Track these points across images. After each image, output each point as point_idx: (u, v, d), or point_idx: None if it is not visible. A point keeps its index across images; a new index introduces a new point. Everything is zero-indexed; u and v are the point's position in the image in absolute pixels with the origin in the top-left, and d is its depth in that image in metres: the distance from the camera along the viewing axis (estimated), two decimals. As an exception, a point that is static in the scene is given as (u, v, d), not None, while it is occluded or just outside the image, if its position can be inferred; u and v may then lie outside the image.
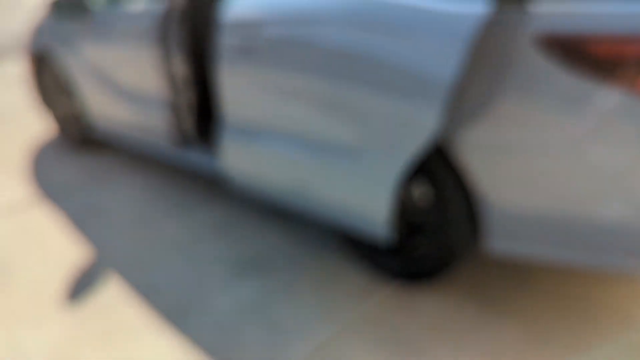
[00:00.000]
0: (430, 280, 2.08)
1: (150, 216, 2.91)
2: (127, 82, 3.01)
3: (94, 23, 3.07)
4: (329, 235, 2.58)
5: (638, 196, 1.50)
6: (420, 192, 1.98)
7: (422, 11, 1.58)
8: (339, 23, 1.76)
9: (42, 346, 2.01)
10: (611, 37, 1.40)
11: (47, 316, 2.17)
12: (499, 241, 1.81)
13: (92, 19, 3.09)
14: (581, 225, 1.62)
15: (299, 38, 1.88)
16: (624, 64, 1.40)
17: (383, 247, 2.19)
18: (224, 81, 2.20)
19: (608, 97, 1.44)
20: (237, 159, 2.33)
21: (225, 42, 2.14)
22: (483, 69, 1.60)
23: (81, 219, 2.94)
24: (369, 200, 1.90)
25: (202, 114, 3.25)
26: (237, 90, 2.17)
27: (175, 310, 2.15)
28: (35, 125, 4.54)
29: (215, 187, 3.19)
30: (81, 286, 2.35)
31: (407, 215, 2.06)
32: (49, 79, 3.84)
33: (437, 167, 1.86)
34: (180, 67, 2.70)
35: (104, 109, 3.32)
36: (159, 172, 3.46)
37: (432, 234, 2.00)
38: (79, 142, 3.90)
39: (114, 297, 2.26)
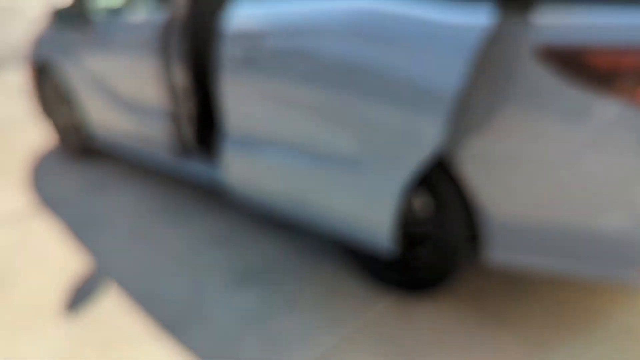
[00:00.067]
0: (430, 290, 2.08)
1: (150, 226, 2.90)
2: (128, 92, 3.02)
3: (95, 33, 3.08)
4: (328, 246, 2.58)
5: (638, 207, 1.50)
6: (420, 202, 1.98)
7: (426, 23, 1.58)
8: (341, 34, 1.76)
9: (42, 356, 2.00)
10: (610, 49, 1.41)
11: (47, 325, 2.16)
12: (498, 252, 1.81)
13: (93, 29, 3.10)
14: (581, 236, 1.62)
15: (301, 49, 1.89)
16: (622, 75, 1.41)
17: (384, 258, 2.19)
18: (226, 92, 2.20)
19: (607, 109, 1.44)
20: (238, 169, 2.32)
21: (228, 53, 2.14)
22: (485, 80, 1.61)
23: (81, 228, 2.94)
24: (372, 212, 1.90)
25: (203, 124, 3.26)
26: (239, 101, 2.17)
27: (174, 320, 2.14)
28: (35, 134, 4.55)
29: (215, 197, 3.19)
30: (80, 295, 2.34)
31: (407, 226, 2.06)
32: (49, 88, 3.85)
33: (437, 178, 1.86)
34: (181, 77, 2.71)
35: (104, 118, 3.33)
36: (158, 182, 3.46)
37: (432, 245, 2.00)
38: (79, 152, 3.90)
39: (113, 306, 2.25)
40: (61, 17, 3.21)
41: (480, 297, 2.14)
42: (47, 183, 3.57)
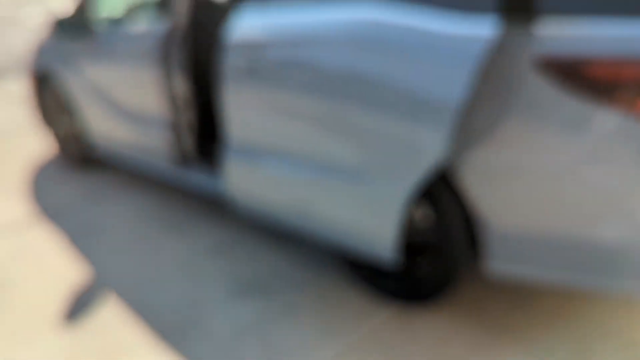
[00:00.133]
0: (430, 301, 2.07)
1: (149, 236, 2.90)
2: (128, 102, 3.02)
3: (96, 43, 3.09)
4: (329, 256, 2.57)
5: (638, 218, 1.50)
6: (421, 213, 1.98)
7: (429, 34, 1.58)
8: (344, 45, 1.76)
9: (39, 367, 1.99)
10: (610, 60, 1.41)
11: (45, 335, 2.16)
12: (499, 262, 1.80)
13: (94, 39, 3.11)
14: (581, 247, 1.62)
15: (304, 60, 1.89)
16: (622, 86, 1.41)
17: (384, 269, 2.18)
18: (228, 102, 2.20)
19: (607, 120, 1.45)
20: (240, 180, 2.32)
21: (230, 64, 2.14)
22: (488, 91, 1.61)
23: (80, 238, 2.93)
24: (375, 223, 1.89)
25: (203, 134, 3.26)
26: (241, 111, 2.17)
27: (173, 330, 2.14)
28: (35, 144, 4.55)
29: (215, 207, 3.19)
30: (79, 305, 2.34)
31: (407, 237, 2.06)
32: (50, 98, 3.86)
33: (437, 189, 1.86)
34: (181, 87, 2.71)
35: (105, 128, 3.33)
36: (158, 192, 3.46)
37: (432, 256, 2.00)
38: (79, 161, 3.90)
39: (112, 316, 2.25)
40: (62, 27, 3.22)
41: (480, 308, 2.13)
42: (46, 192, 3.57)
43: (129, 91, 2.97)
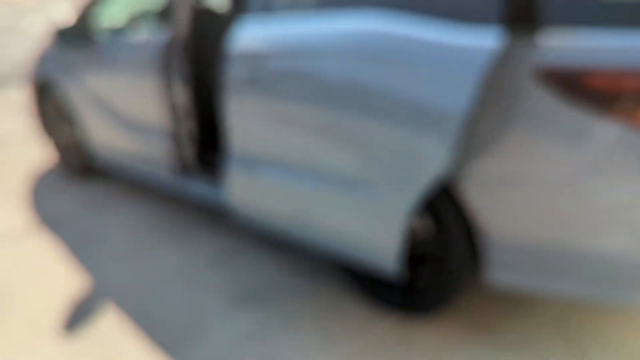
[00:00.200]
0: (431, 312, 2.06)
1: (149, 245, 2.90)
2: (129, 112, 3.03)
3: (97, 53, 3.10)
4: (328, 266, 2.57)
5: (639, 228, 1.50)
6: (421, 223, 1.98)
7: (433, 45, 1.58)
8: (347, 56, 1.76)
9: (38, 377, 1.99)
10: (610, 71, 1.42)
11: (45, 344, 2.15)
12: (499, 273, 1.80)
13: (95, 49, 3.12)
14: (582, 257, 1.61)
15: (307, 70, 1.88)
16: (622, 97, 1.41)
17: (384, 280, 2.18)
18: (230, 112, 2.20)
19: (607, 131, 1.45)
20: (242, 190, 2.31)
21: (232, 74, 2.14)
22: (491, 102, 1.61)
23: (80, 247, 2.93)
24: (378, 234, 1.89)
25: (204, 144, 3.27)
26: (243, 121, 2.17)
27: (173, 340, 2.13)
28: (35, 152, 4.56)
29: (214, 217, 3.18)
30: (79, 314, 2.33)
31: (407, 247, 2.06)
32: (50, 107, 3.86)
33: (438, 199, 1.86)
34: (182, 96, 2.72)
35: (105, 137, 3.33)
36: (158, 201, 3.46)
37: (433, 266, 1.99)
38: (79, 171, 3.90)
39: (112, 326, 2.24)
40: (64, 37, 3.23)
41: (481, 319, 2.13)
42: (47, 201, 3.57)
43: (129, 100, 2.97)
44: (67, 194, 3.67)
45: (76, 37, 3.19)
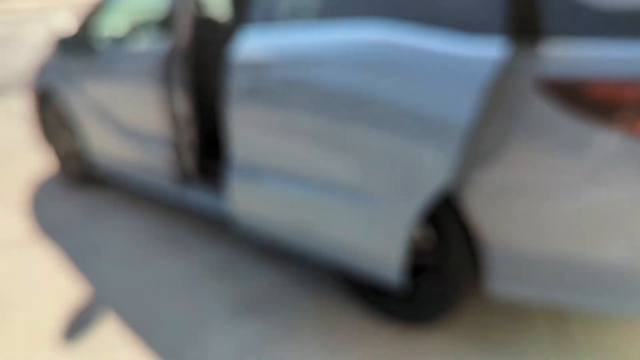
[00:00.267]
0: (432, 322, 2.06)
1: (149, 254, 2.89)
2: (129, 120, 3.03)
3: (98, 62, 3.11)
4: (329, 276, 2.56)
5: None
6: (422, 233, 1.97)
7: (437, 55, 1.58)
8: (350, 66, 1.76)
9: (38, 387, 1.98)
10: (610, 81, 1.42)
11: (45, 353, 2.14)
12: (500, 283, 1.80)
13: (96, 58, 3.13)
14: (583, 267, 1.61)
15: (310, 80, 1.88)
16: (622, 107, 1.42)
17: (384, 289, 2.17)
18: (233, 122, 2.19)
19: (608, 140, 1.45)
20: (245, 200, 2.30)
21: (235, 84, 2.13)
22: (493, 113, 1.61)
23: (80, 255, 2.92)
24: (381, 244, 1.88)
25: (204, 153, 3.27)
26: (246, 131, 2.16)
27: (172, 349, 2.12)
28: (36, 161, 4.56)
29: (215, 227, 3.18)
30: (78, 325, 2.32)
31: (409, 257, 2.05)
32: (51, 115, 3.87)
33: (439, 209, 1.86)
34: (183, 105, 2.72)
35: (106, 146, 3.34)
36: (158, 211, 3.46)
37: (433, 276, 1.99)
38: (79, 179, 3.90)
39: (112, 334, 2.23)
40: (65, 46, 3.25)
41: (482, 329, 2.12)
42: (47, 210, 3.56)
43: (130, 109, 2.98)
44: (67, 203, 3.67)
45: (77, 46, 3.21)
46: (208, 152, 3.30)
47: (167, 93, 2.71)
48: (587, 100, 1.46)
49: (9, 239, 3.16)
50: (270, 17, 2.12)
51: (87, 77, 3.23)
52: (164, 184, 3.01)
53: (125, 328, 2.28)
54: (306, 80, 1.89)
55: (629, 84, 1.40)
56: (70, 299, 2.52)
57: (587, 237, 1.56)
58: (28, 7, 17.75)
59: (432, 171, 1.63)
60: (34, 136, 5.19)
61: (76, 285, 2.63)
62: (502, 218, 1.69)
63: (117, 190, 3.85)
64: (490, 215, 1.71)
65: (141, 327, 2.28)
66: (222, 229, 3.13)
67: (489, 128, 1.62)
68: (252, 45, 2.10)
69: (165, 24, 2.74)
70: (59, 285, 2.64)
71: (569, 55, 1.48)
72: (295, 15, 2.05)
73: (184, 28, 2.68)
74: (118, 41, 3.02)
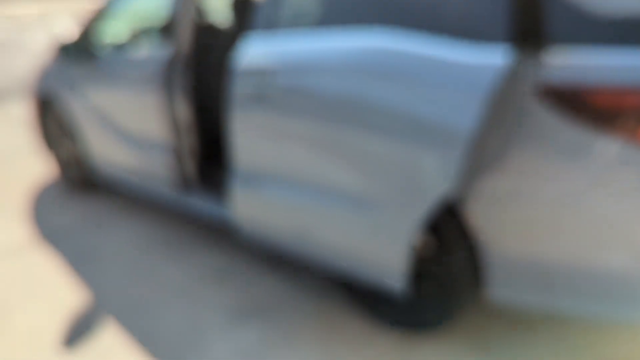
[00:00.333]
0: (432, 329, 2.06)
1: (150, 260, 2.89)
2: (130, 127, 3.04)
3: (100, 68, 3.12)
4: (328, 282, 2.56)
5: (640, 245, 1.50)
6: (423, 240, 1.97)
7: (440, 62, 1.58)
8: (354, 73, 1.76)
9: (38, 394, 1.97)
10: (611, 89, 1.43)
11: (45, 359, 2.14)
12: (501, 290, 1.80)
13: (97, 64, 3.14)
14: (584, 274, 1.61)
15: (313, 87, 1.87)
16: (624, 114, 1.42)
17: (384, 296, 2.17)
18: (236, 129, 2.18)
19: (609, 148, 1.45)
20: (247, 207, 2.29)
21: (237, 90, 2.13)
22: (496, 120, 1.61)
23: (80, 262, 2.92)
24: (384, 251, 1.87)
25: (206, 160, 3.27)
26: (248, 138, 2.15)
27: (172, 355, 2.12)
28: (36, 166, 4.56)
29: (215, 233, 3.18)
30: (79, 331, 2.32)
31: (411, 265, 2.05)
32: (52, 121, 3.88)
33: (440, 216, 1.86)
34: (184, 112, 2.73)
35: (107, 153, 3.34)
36: (159, 217, 3.46)
37: (435, 283, 1.99)
38: (80, 185, 3.91)
39: (112, 341, 2.23)
40: (66, 52, 3.26)
41: (483, 336, 2.12)
42: (47, 215, 3.57)
43: (131, 116, 2.98)
44: (68, 209, 3.67)
45: (78, 52, 3.22)
46: (209, 158, 3.31)
47: (168, 99, 2.71)
48: (588, 107, 1.46)
49: (9, 244, 3.16)
50: (273, 24, 2.12)
51: (89, 83, 3.23)
52: (165, 190, 3.02)
53: (126, 333, 2.28)
54: (309, 87, 1.89)
55: (630, 92, 1.40)
56: (70, 304, 2.52)
57: (589, 244, 1.56)
58: (29, 13, 17.79)
59: (436, 179, 1.63)
60: (34, 142, 5.20)
61: (76, 290, 2.63)
62: (503, 225, 1.69)
63: (118, 196, 3.85)
64: (491, 221, 1.71)
65: (141, 332, 2.28)
66: (222, 235, 3.13)
67: (492, 135, 1.62)
68: (255, 52, 2.10)
69: (167, 30, 2.75)
70: (59, 291, 2.64)
71: (571, 62, 1.49)
72: (299, 23, 2.05)
73: (185, 34, 2.69)
74: (119, 47, 3.03)
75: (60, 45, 3.27)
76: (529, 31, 1.51)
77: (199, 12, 3.22)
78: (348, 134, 1.81)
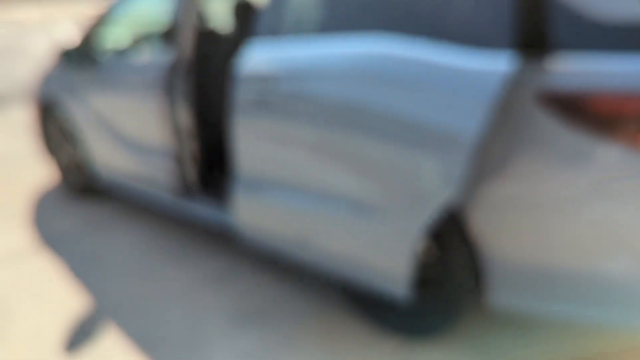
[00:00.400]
0: (433, 335, 2.05)
1: (150, 265, 2.89)
2: (132, 132, 3.04)
3: (101, 73, 3.13)
4: (330, 288, 2.56)
5: (640, 251, 1.50)
6: (424, 246, 1.97)
7: (445, 68, 1.58)
8: (357, 79, 1.75)
9: (39, 399, 1.97)
10: (611, 95, 1.43)
11: (45, 368, 2.14)
12: (502, 296, 1.79)
13: (99, 70, 3.15)
14: (585, 281, 1.61)
15: (316, 93, 1.87)
16: (624, 121, 1.42)
17: (385, 302, 2.17)
18: (238, 135, 2.18)
19: (610, 154, 1.45)
20: (250, 213, 2.29)
21: (240, 96, 2.13)
22: (499, 126, 1.61)
23: (81, 267, 2.92)
24: (387, 258, 1.87)
25: (207, 166, 3.27)
26: (251, 144, 2.15)
27: (174, 359, 2.12)
28: (38, 172, 4.57)
29: (216, 238, 3.18)
30: (80, 336, 2.32)
31: (414, 271, 2.05)
32: (53, 127, 3.88)
33: (441, 222, 1.85)
34: (185, 118, 2.73)
35: (108, 158, 3.35)
36: (160, 222, 3.46)
37: (435, 289, 1.99)
38: (81, 191, 3.91)
39: (113, 346, 2.23)
40: (68, 57, 3.26)
41: (484, 342, 2.12)
42: (48, 221, 3.57)
43: (132, 121, 2.99)
44: (69, 214, 3.67)
45: (80, 57, 3.22)
46: (210, 164, 3.31)
47: (169, 105, 2.72)
48: (589, 113, 1.46)
49: (11, 250, 3.16)
50: (276, 31, 2.12)
51: (90, 89, 3.24)
52: (166, 196, 3.02)
53: (127, 338, 2.27)
54: (312, 93, 1.88)
55: (631, 98, 1.40)
56: (71, 310, 2.51)
57: (590, 250, 1.56)
58: (31, 18, 17.85)
59: (440, 185, 1.63)
60: (35, 147, 5.20)
61: (78, 296, 2.63)
62: (504, 231, 1.69)
63: (119, 202, 3.85)
64: (493, 227, 1.71)
65: (142, 337, 2.27)
66: (223, 240, 3.13)
67: (495, 141, 1.62)
68: (258, 58, 2.10)
69: (168, 36, 2.75)
70: (60, 296, 2.64)
71: (572, 68, 1.49)
72: (301, 29, 2.05)
73: (187, 40, 2.70)
74: (121, 53, 3.04)
75: (61, 50, 3.28)
76: (532, 37, 1.52)
77: (201, 18, 3.23)
78: (351, 141, 1.81)
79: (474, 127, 1.52)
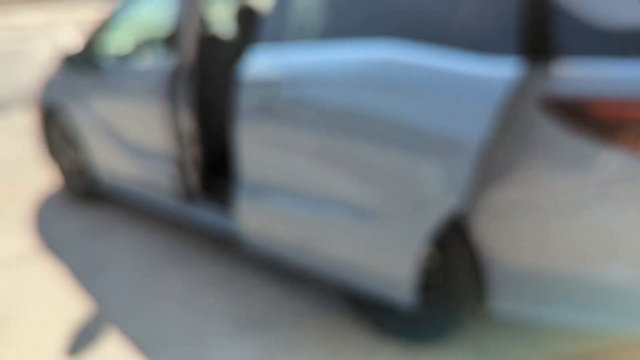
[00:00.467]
0: (435, 340, 2.05)
1: (152, 270, 2.89)
2: (134, 137, 3.05)
3: (104, 78, 3.13)
4: (331, 292, 2.56)
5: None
6: (427, 252, 1.97)
7: (450, 74, 1.58)
8: (362, 85, 1.75)
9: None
10: (614, 100, 1.43)
11: (46, 372, 2.14)
12: (505, 301, 1.79)
13: (101, 75, 3.15)
14: (587, 286, 1.61)
15: (319, 99, 1.87)
16: (627, 126, 1.42)
17: (386, 307, 2.16)
18: (242, 140, 2.18)
19: (612, 160, 1.46)
20: (253, 219, 2.28)
21: (244, 102, 2.12)
22: (503, 132, 1.61)
23: (83, 272, 2.92)
24: (392, 264, 1.86)
25: (209, 171, 3.28)
26: (255, 149, 2.14)
27: (176, 367, 2.12)
28: (40, 176, 4.57)
29: (218, 242, 3.18)
30: (82, 340, 2.32)
31: (418, 277, 2.04)
32: (56, 131, 3.89)
33: (445, 228, 1.85)
34: (187, 123, 2.74)
35: (110, 163, 3.35)
36: (161, 226, 3.46)
37: (437, 294, 1.98)
38: (83, 195, 3.91)
39: (114, 349, 2.23)
40: (70, 62, 3.27)
41: (486, 348, 2.11)
42: (50, 225, 3.57)
43: (135, 126, 2.99)
44: (70, 219, 3.68)
45: (83, 62, 3.23)
46: (212, 169, 3.31)
47: (171, 110, 2.72)
48: (592, 119, 1.46)
49: (12, 254, 3.16)
50: (279, 37, 2.12)
51: (93, 94, 3.25)
52: (168, 201, 3.02)
53: (129, 342, 2.27)
54: (315, 99, 1.88)
55: (634, 104, 1.41)
56: (73, 314, 2.51)
57: (593, 256, 1.56)
58: (33, 23, 17.90)
59: (444, 190, 1.63)
60: (37, 152, 5.21)
61: (79, 301, 2.63)
62: (507, 236, 1.69)
63: (121, 206, 3.86)
64: (495, 233, 1.71)
65: (144, 341, 2.27)
66: (224, 244, 3.13)
67: (498, 147, 1.62)
68: (261, 64, 2.10)
69: (171, 41, 2.76)
70: (62, 301, 2.64)
71: (575, 74, 1.49)
72: (304, 35, 2.05)
73: (189, 46, 2.71)
74: (123, 58, 3.05)
75: (64, 56, 3.29)
76: (536, 43, 1.52)
77: (203, 23, 3.24)
78: (354, 147, 1.81)
79: (478, 133, 1.52)
